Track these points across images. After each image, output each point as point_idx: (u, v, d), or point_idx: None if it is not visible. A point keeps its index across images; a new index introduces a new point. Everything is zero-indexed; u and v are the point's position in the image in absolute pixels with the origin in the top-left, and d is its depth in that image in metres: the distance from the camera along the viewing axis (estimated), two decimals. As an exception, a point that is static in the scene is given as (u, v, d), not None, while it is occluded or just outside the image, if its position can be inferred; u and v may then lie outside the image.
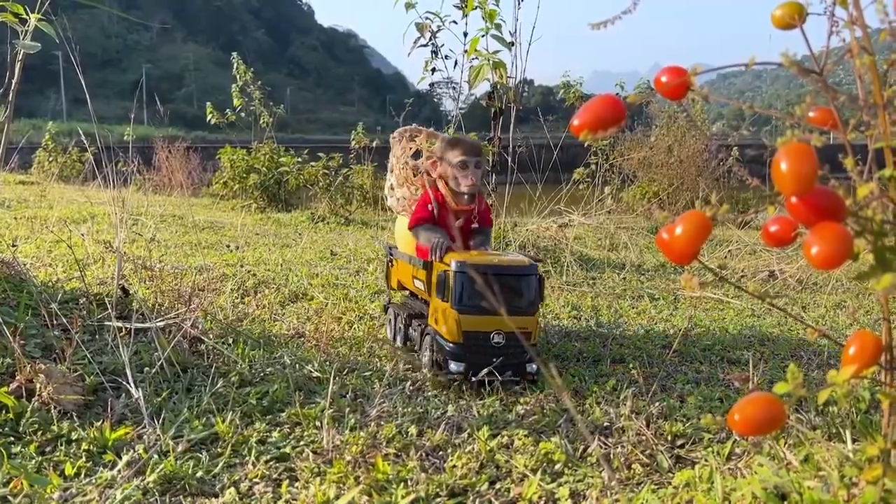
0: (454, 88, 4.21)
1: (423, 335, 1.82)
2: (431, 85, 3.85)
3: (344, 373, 1.72)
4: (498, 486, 1.21)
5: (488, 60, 3.43)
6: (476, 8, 3.55)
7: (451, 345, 1.65)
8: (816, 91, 0.92)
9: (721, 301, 2.76)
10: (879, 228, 0.80)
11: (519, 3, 3.57)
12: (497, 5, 3.42)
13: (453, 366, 1.64)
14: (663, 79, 0.97)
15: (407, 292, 2.15)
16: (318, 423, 1.42)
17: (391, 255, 2.17)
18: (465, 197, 1.94)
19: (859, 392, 1.44)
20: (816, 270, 3.27)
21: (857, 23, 0.86)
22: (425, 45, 3.69)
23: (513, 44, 3.50)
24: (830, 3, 0.90)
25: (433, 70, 3.65)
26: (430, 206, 1.92)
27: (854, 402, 1.42)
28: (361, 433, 1.37)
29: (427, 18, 3.69)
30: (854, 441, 1.23)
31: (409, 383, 1.67)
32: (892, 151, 0.93)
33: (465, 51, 3.60)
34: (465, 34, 3.59)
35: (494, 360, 1.63)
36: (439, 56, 3.70)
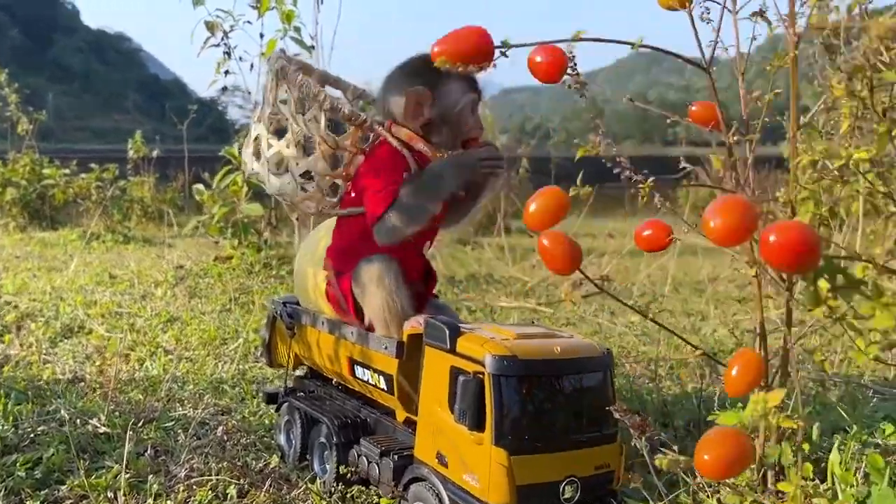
0: (242, 96, 3.92)
1: (404, 480, 1.04)
2: (224, 89, 3.54)
3: (139, 425, 1.43)
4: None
5: (287, 64, 3.21)
6: (272, 8, 3.32)
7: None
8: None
9: (536, 310, 2.75)
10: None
11: (319, 5, 3.39)
12: (295, 6, 3.21)
13: None
14: (538, 59, 0.86)
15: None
16: (110, 495, 1.15)
17: (290, 317, 1.35)
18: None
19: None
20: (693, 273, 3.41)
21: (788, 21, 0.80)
22: (217, 46, 3.39)
23: (313, 47, 3.30)
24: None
25: (226, 73, 3.36)
26: (405, 175, 1.21)
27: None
28: (169, 502, 1.12)
29: (218, 17, 3.39)
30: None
31: (220, 428, 1.42)
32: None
33: (262, 53, 3.36)
34: (262, 35, 3.35)
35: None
36: (233, 58, 3.42)
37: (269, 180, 1.31)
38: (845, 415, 1.32)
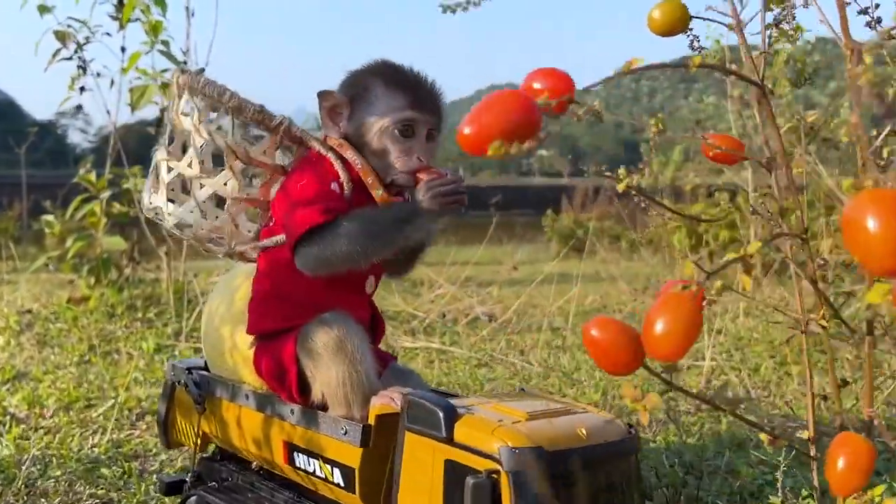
0: (85, 119, 3.50)
1: None
2: (79, 107, 3.14)
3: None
4: None
5: (155, 80, 2.87)
6: (136, 19, 2.97)
7: None
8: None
9: (444, 350, 2.56)
10: None
11: (190, 17, 3.07)
12: (164, 16, 2.89)
13: None
14: (536, 84, 0.68)
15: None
16: None
17: (198, 388, 1.07)
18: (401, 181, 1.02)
19: None
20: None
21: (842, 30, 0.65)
22: (69, 59, 2.99)
23: (185, 63, 2.98)
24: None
25: (82, 89, 2.96)
26: (334, 185, 0.99)
27: None
28: None
29: (70, 27, 2.99)
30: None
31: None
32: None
33: (123, 68, 3.00)
34: (123, 49, 2.99)
35: None
36: (88, 73, 3.03)
37: (167, 210, 1.05)
38: None
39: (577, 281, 4.34)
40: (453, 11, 0.74)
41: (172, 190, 1.07)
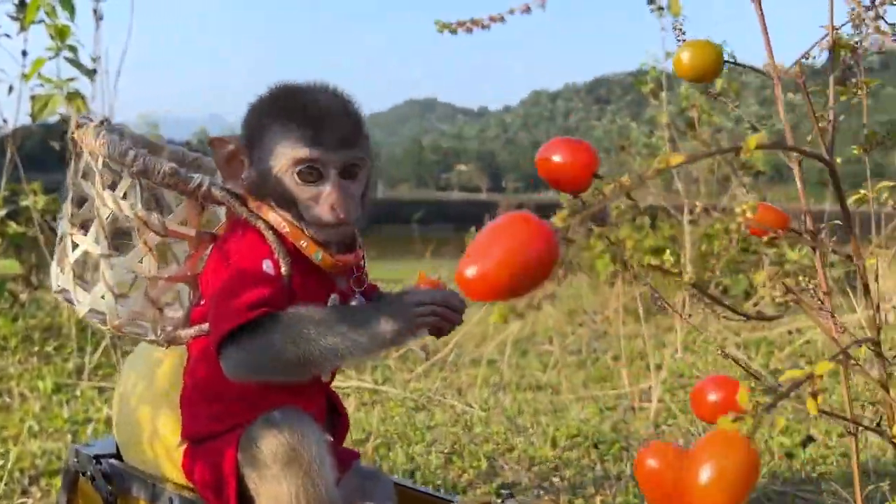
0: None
1: None
2: (-30, 116, 2.83)
3: None
4: None
5: (61, 89, 2.62)
6: (39, 21, 2.71)
7: None
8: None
9: (376, 391, 2.39)
10: None
11: (98, 23, 2.82)
12: (72, 21, 2.64)
13: None
14: (556, 158, 0.58)
15: None
16: None
17: (108, 481, 0.87)
18: (334, 234, 0.87)
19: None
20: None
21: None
22: (-41, 61, 2.70)
23: (94, 71, 2.73)
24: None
25: (-26, 96, 2.67)
26: (267, 264, 0.83)
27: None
28: None
29: (-41, 26, 2.70)
30: None
31: None
32: None
33: (24, 75, 2.73)
34: (25, 53, 2.72)
35: None
36: (-19, 78, 2.74)
37: (76, 296, 0.87)
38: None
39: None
40: (453, 32, 0.60)
41: (79, 270, 0.89)
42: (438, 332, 0.82)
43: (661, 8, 3.64)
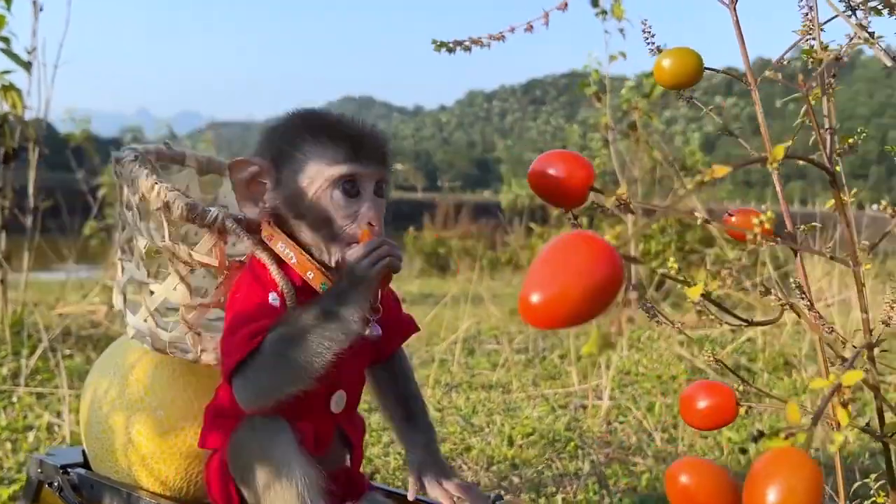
0: None
1: None
2: None
3: None
4: None
5: (-6, 82, 2.51)
6: (-29, 10, 2.59)
7: None
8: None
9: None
10: None
11: (38, 14, 2.71)
12: (8, 10, 2.52)
13: None
14: (552, 171, 0.59)
15: None
16: None
17: (76, 491, 0.84)
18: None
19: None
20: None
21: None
22: None
23: (30, 63, 2.63)
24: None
25: None
26: (273, 297, 0.82)
27: None
28: None
29: None
30: None
31: None
32: None
33: (-47, 66, 2.61)
34: (-45, 43, 2.59)
35: None
36: None
37: (127, 318, 0.93)
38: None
39: (447, 302, 4.28)
40: (451, 51, 0.60)
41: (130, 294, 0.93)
42: (392, 271, 0.82)
43: (604, 12, 3.72)
